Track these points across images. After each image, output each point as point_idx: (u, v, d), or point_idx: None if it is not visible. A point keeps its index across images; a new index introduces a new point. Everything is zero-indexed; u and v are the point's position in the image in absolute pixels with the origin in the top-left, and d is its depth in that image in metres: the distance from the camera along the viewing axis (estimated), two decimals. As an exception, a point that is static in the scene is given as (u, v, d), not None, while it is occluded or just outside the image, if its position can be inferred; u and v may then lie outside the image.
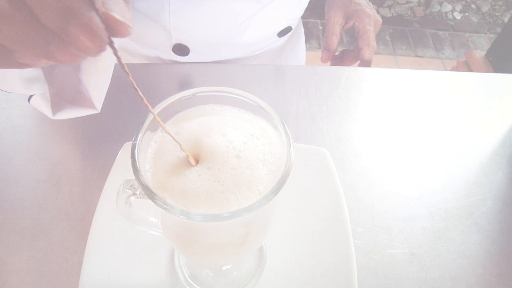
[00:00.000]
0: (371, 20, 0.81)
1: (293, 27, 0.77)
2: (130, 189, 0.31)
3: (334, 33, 0.81)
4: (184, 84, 0.68)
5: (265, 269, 0.44)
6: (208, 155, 0.27)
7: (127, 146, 0.50)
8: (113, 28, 0.20)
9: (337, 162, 0.56)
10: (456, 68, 2.04)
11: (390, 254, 0.49)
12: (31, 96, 0.48)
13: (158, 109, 0.28)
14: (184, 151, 0.26)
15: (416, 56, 2.54)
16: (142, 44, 0.74)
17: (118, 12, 0.20)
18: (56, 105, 0.47)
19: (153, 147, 0.28)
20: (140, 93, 0.22)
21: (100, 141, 0.56)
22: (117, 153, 0.52)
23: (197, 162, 0.27)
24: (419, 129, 0.63)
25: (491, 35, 2.62)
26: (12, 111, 0.60)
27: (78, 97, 0.48)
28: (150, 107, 0.24)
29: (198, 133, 0.28)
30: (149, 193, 0.24)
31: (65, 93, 0.47)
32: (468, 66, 1.91)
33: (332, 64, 0.86)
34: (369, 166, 0.57)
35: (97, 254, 0.43)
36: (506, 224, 0.53)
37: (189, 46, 0.68)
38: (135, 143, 0.26)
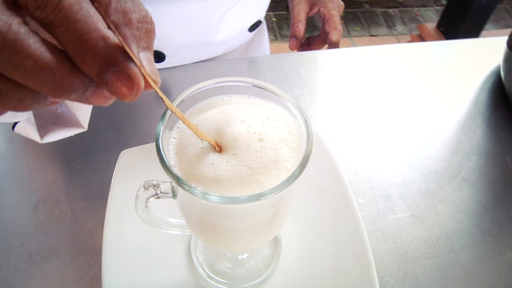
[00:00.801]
0: (334, 5, 0.83)
1: (262, 20, 0.78)
2: (153, 188, 0.31)
3: (299, 20, 0.83)
4: (165, 90, 0.68)
5: (281, 255, 0.45)
6: (231, 141, 0.28)
7: (125, 154, 0.50)
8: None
9: (328, 141, 0.58)
10: (411, 42, 2.12)
11: (394, 219, 0.51)
12: (15, 123, 0.47)
13: (174, 105, 0.29)
14: (209, 140, 0.27)
15: (371, 35, 2.61)
16: None
17: (150, 66, 0.22)
18: (42, 129, 0.47)
19: (173, 143, 0.29)
20: (159, 91, 0.23)
21: (93, 154, 0.56)
22: (113, 163, 0.52)
23: (221, 150, 0.28)
24: (397, 100, 0.66)
25: (438, 7, 2.74)
26: (-6, 138, 0.58)
27: (60, 118, 0.48)
28: (172, 105, 0.25)
29: (217, 123, 0.29)
30: (185, 185, 0.25)
31: (45, 115, 0.46)
32: (422, 39, 1.99)
33: (300, 51, 0.89)
34: (358, 141, 0.60)
35: (115, 265, 0.43)
36: (491, 175, 0.57)
37: (165, 52, 0.68)
38: (158, 139, 0.27)
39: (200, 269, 0.44)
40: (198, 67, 0.70)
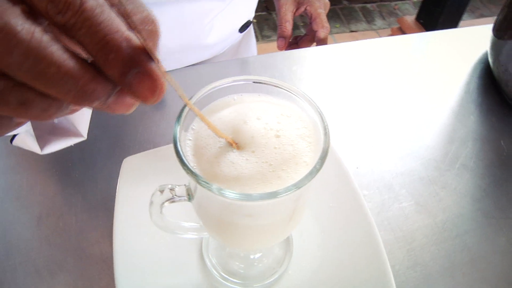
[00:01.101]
0: (321, 3, 0.84)
1: (251, 20, 0.79)
2: (169, 192, 0.31)
3: (287, 20, 0.84)
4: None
5: (293, 253, 0.45)
6: (249, 139, 0.28)
7: (127, 161, 0.50)
8: None
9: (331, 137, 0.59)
10: (391, 35, 2.15)
11: (399, 208, 0.52)
12: (14, 136, 0.46)
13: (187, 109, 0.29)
14: (227, 138, 0.27)
15: (351, 31, 2.64)
16: None
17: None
18: (41, 140, 0.46)
19: (190, 145, 0.29)
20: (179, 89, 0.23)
21: (92, 163, 0.55)
22: (115, 172, 0.51)
23: (239, 148, 0.28)
24: (391, 93, 0.67)
25: (415, 0, 2.79)
26: (-11, 153, 0.56)
27: (58, 128, 0.47)
28: (191, 104, 0.25)
29: (233, 122, 0.29)
30: (207, 185, 0.25)
31: (42, 126, 0.46)
32: (402, 32, 2.02)
33: (288, 50, 0.89)
34: (357, 135, 0.60)
35: (127, 274, 0.42)
36: (488, 159, 0.58)
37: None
38: (176, 141, 0.26)
39: (214, 271, 0.44)
40: (190, 71, 0.70)
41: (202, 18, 0.65)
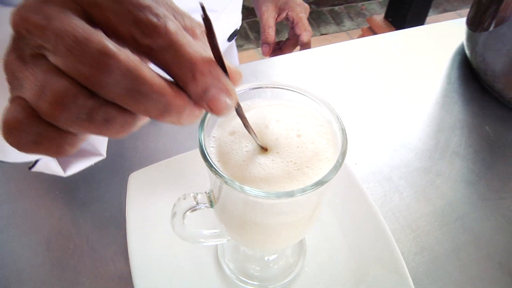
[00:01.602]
0: (302, 8, 0.86)
1: (238, 29, 0.80)
2: (193, 199, 0.32)
3: (269, 26, 0.86)
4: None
5: (307, 252, 0.47)
6: (273, 141, 0.30)
7: (134, 176, 0.50)
8: None
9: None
10: (362, 36, 2.21)
11: (400, 199, 0.54)
12: (35, 163, 0.46)
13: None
14: (258, 142, 0.28)
15: (321, 34, 2.70)
16: None
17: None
18: (64, 162, 0.46)
19: (213, 152, 0.30)
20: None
21: (96, 182, 0.55)
22: (120, 189, 0.52)
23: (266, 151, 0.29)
24: (378, 90, 0.70)
25: (380, 0, 2.87)
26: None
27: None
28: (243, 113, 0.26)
29: (255, 126, 0.30)
30: (239, 187, 0.26)
31: None
32: (373, 31, 2.08)
33: (272, 56, 0.91)
34: (353, 134, 0.62)
35: (147, 285, 0.43)
36: (477, 145, 0.61)
37: None
38: (203, 146, 0.28)
39: (234, 277, 0.44)
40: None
41: None
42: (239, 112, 0.27)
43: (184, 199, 0.33)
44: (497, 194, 0.55)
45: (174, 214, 0.34)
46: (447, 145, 0.61)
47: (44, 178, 0.55)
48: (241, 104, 0.33)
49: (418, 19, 1.86)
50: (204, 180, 0.48)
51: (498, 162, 0.59)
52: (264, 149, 0.30)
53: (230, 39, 0.78)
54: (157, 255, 0.45)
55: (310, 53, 0.78)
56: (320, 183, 0.26)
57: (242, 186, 0.25)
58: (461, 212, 0.53)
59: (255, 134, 0.29)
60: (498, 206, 0.54)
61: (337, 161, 0.27)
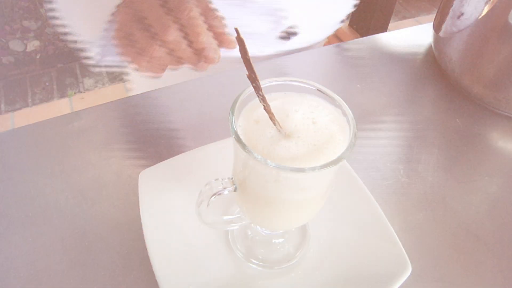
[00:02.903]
0: None
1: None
2: (221, 183, 0.36)
3: None
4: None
5: (311, 236, 0.51)
6: (293, 127, 0.34)
7: (144, 174, 0.53)
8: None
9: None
10: (328, 43, 2.31)
11: (388, 185, 0.60)
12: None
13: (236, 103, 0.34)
14: (280, 129, 0.33)
15: (289, 43, 2.78)
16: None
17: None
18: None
19: (242, 139, 0.34)
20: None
21: (104, 184, 0.58)
22: (128, 188, 0.55)
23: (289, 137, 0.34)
24: (356, 92, 0.76)
25: (343, 9, 3.00)
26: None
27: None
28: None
29: (277, 116, 0.35)
30: (275, 165, 0.30)
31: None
32: (338, 38, 2.18)
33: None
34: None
35: (169, 277, 0.46)
36: (450, 135, 0.68)
37: (301, 27, 0.79)
38: (235, 129, 0.32)
39: (244, 259, 0.48)
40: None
41: None
42: (266, 108, 0.31)
43: (210, 185, 0.37)
44: (470, 177, 0.62)
45: (200, 202, 0.38)
46: (423, 136, 0.68)
47: (54, 182, 0.57)
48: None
49: (381, 26, 1.97)
50: (214, 174, 0.52)
51: (468, 149, 0.66)
52: (286, 135, 0.34)
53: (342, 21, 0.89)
54: (174, 246, 0.48)
55: (279, 62, 0.83)
56: (339, 159, 0.31)
57: (278, 164, 0.30)
58: (442, 195, 0.59)
59: (278, 123, 0.33)
60: (472, 188, 0.60)
61: (351, 141, 0.32)
